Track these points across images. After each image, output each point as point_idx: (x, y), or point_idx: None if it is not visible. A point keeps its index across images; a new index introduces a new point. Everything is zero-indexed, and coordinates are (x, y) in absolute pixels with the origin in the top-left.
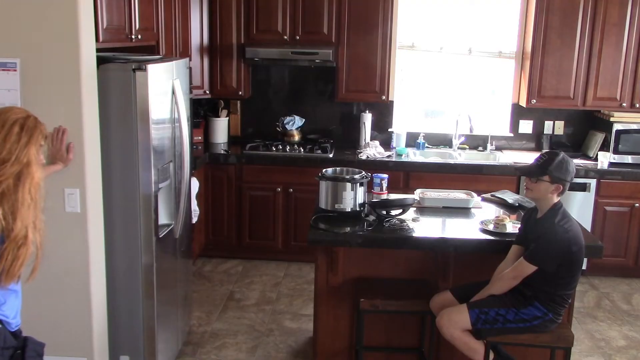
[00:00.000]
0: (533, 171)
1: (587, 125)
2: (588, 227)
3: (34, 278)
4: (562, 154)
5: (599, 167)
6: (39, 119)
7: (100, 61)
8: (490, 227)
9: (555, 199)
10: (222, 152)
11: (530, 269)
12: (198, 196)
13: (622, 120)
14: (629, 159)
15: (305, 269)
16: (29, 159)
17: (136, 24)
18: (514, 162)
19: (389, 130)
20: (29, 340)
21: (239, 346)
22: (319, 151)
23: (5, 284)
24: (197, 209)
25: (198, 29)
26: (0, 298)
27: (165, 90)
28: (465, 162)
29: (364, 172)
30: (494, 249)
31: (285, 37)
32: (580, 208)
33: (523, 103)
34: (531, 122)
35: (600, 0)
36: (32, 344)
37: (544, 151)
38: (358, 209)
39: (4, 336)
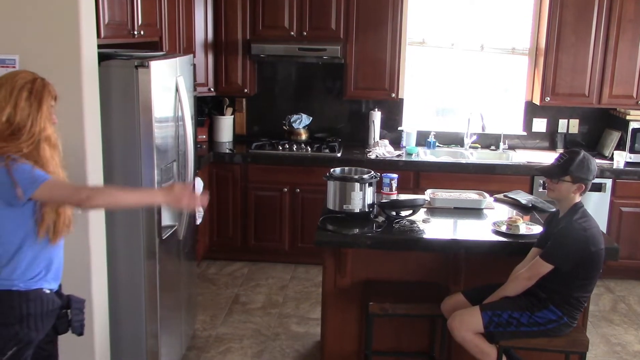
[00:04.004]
0: (554, 172)
1: (602, 124)
2: (604, 228)
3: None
4: (582, 153)
5: (614, 167)
6: (46, 79)
7: (102, 58)
8: (503, 228)
9: (577, 199)
10: (227, 151)
11: (546, 268)
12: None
13: (639, 119)
14: None
15: (313, 271)
16: (44, 125)
17: (138, 20)
18: (528, 162)
19: (399, 128)
20: (72, 299)
21: (244, 351)
22: (327, 150)
23: (54, 242)
24: (201, 210)
25: (202, 25)
26: (51, 254)
27: (168, 87)
28: (477, 162)
29: (373, 172)
30: (506, 250)
31: (292, 33)
32: (595, 209)
33: (537, 101)
34: (545, 120)
35: None
36: (75, 303)
37: (564, 150)
38: (367, 210)
39: (52, 300)
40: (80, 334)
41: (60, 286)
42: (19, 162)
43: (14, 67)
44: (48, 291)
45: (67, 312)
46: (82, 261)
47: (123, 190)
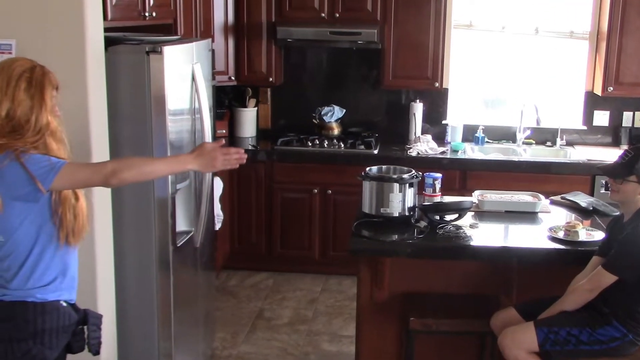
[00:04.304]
0: (617, 171)
1: None
2: None
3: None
4: None
5: None
6: (46, 67)
7: (109, 42)
8: (560, 234)
9: None
10: (250, 147)
11: (609, 279)
12: (222, 199)
13: None
14: None
15: (346, 282)
16: (47, 120)
17: (150, 0)
18: (588, 160)
19: (443, 122)
20: (89, 314)
21: None
22: (362, 147)
23: (73, 244)
24: (220, 213)
25: (222, 5)
26: (67, 259)
27: (183, 76)
28: (532, 159)
29: (414, 171)
30: (564, 259)
31: (323, 15)
32: None
33: (598, 91)
34: (607, 112)
35: None
36: (92, 318)
37: (628, 147)
38: (407, 214)
39: (69, 314)
40: (97, 353)
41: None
42: (29, 152)
43: (10, 53)
44: (65, 304)
45: (83, 329)
46: (87, 271)
47: (150, 160)
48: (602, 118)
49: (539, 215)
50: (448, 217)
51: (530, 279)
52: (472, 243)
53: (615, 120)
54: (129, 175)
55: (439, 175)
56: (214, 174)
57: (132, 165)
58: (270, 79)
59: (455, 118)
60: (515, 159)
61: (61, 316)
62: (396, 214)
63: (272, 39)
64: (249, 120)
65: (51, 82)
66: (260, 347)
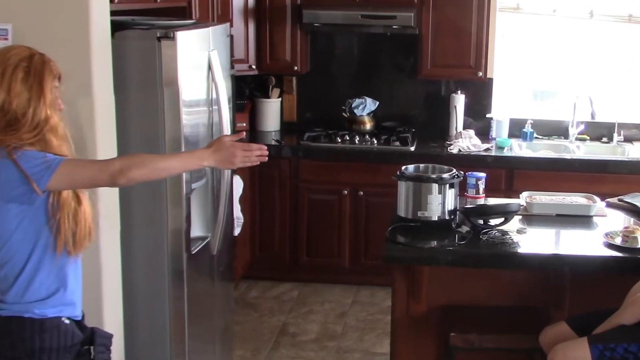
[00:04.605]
0: None
1: None
2: None
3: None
4: None
5: None
6: (46, 55)
7: (116, 27)
8: (618, 240)
9: None
10: (273, 142)
11: None
12: (242, 200)
13: None
14: None
15: (379, 294)
16: (46, 114)
17: None
18: None
19: (487, 116)
20: (96, 333)
21: None
22: (397, 143)
23: (74, 254)
24: (240, 216)
25: None
26: (67, 269)
27: (199, 64)
28: (585, 157)
29: (454, 170)
30: (622, 268)
31: None
32: None
33: None
34: None
35: None
36: (100, 338)
37: None
38: (447, 218)
39: (72, 333)
40: None
41: (83, 316)
42: (23, 148)
43: (6, 39)
44: (67, 321)
45: (89, 349)
46: (91, 282)
47: (162, 156)
48: None
49: (594, 219)
50: (493, 222)
51: (583, 289)
52: (520, 250)
53: None
54: (139, 173)
55: (482, 174)
56: (234, 172)
57: (142, 162)
58: (295, 68)
59: (501, 111)
60: (568, 156)
61: (62, 335)
62: (435, 218)
63: (297, 24)
64: (272, 112)
65: (52, 72)
66: None
